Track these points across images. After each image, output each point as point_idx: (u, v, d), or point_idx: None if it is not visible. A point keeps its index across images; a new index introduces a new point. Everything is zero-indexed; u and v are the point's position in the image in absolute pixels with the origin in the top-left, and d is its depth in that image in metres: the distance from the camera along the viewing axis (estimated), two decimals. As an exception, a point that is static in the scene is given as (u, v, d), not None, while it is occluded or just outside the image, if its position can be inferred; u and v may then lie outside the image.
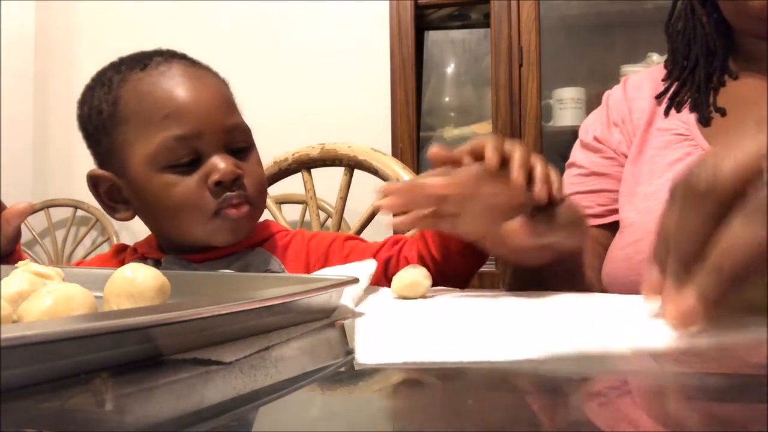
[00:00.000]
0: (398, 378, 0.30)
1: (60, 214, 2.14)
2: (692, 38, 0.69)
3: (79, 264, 0.74)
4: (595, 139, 0.74)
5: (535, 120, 1.54)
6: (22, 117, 2.10)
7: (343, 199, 0.97)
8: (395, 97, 1.62)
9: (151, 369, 0.24)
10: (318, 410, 0.25)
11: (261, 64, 1.99)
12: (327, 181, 1.19)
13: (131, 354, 0.23)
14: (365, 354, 0.28)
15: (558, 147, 1.50)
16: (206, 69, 0.67)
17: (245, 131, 0.66)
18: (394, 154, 1.58)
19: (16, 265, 0.38)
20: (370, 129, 1.75)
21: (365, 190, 1.10)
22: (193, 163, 0.61)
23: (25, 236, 2.06)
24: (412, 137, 1.62)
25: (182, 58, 0.66)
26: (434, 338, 0.32)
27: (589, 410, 0.24)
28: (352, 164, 0.95)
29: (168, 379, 0.24)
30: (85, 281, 0.33)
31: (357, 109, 1.90)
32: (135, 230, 1.99)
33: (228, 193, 0.61)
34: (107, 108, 0.63)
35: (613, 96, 0.75)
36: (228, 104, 0.66)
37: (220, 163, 0.61)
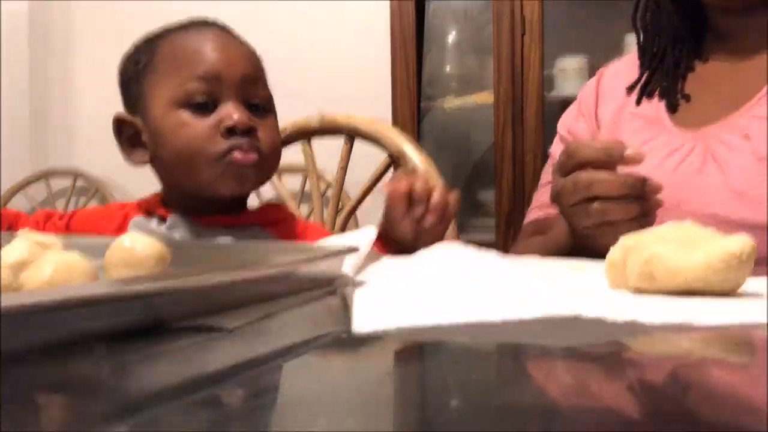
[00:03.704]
0: (398, 345, 0.30)
1: (60, 183, 2.13)
2: (660, 27, 0.72)
3: (77, 215, 0.74)
4: (568, 131, 0.80)
5: (537, 90, 1.53)
6: (19, 88, 2.08)
7: (344, 169, 0.97)
8: (395, 66, 1.61)
9: (154, 336, 0.25)
10: (317, 377, 0.25)
11: (259, 35, 1.96)
12: (326, 151, 1.19)
13: (134, 322, 0.23)
14: (361, 322, 0.28)
15: (560, 117, 1.49)
16: (241, 38, 0.70)
17: (266, 91, 0.68)
18: (394, 124, 1.57)
19: (16, 233, 0.38)
20: (369, 99, 1.73)
21: (365, 160, 1.09)
22: (210, 107, 0.63)
23: (25, 206, 2.06)
24: (413, 107, 1.61)
25: (220, 25, 0.70)
26: (428, 301, 0.33)
27: (595, 383, 0.24)
28: (352, 134, 0.94)
29: (171, 346, 0.25)
30: (85, 250, 0.33)
31: (356, 79, 1.88)
32: (134, 199, 1.99)
33: (238, 139, 0.62)
34: (143, 58, 0.67)
35: (585, 89, 0.81)
36: (252, 63, 0.68)
37: (234, 110, 0.62)
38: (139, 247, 0.33)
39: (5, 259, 0.32)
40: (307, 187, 1.91)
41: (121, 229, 0.65)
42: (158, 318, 0.24)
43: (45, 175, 2.09)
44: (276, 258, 0.34)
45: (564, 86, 1.62)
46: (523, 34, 1.53)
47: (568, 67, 1.62)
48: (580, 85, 1.63)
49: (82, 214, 0.73)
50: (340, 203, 1.02)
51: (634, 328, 0.28)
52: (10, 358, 0.22)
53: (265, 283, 0.29)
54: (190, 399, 0.21)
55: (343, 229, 1.00)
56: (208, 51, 0.65)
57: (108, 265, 0.32)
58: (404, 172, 0.84)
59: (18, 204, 2.05)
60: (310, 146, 0.99)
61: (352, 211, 0.98)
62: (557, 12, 1.62)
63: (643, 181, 0.51)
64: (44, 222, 0.68)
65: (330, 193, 1.63)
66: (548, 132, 1.55)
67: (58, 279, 0.25)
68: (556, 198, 0.56)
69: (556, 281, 0.41)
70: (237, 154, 0.62)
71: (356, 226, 1.00)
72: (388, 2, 1.60)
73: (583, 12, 1.73)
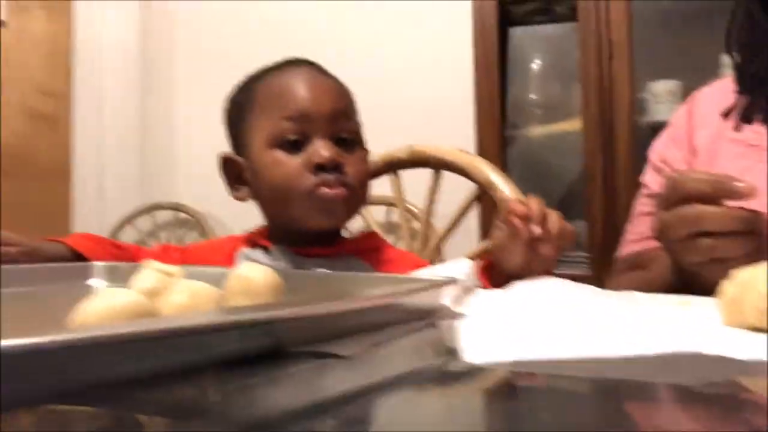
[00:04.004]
0: (503, 378, 0.30)
1: (163, 216, 2.29)
2: (757, 47, 0.67)
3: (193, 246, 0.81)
4: (660, 158, 0.77)
5: (627, 115, 1.48)
6: (128, 126, 2.27)
7: (432, 201, 0.98)
8: (479, 95, 1.61)
9: (275, 360, 0.26)
10: (426, 408, 0.26)
11: (345, 65, 2.04)
12: (411, 182, 1.21)
13: (257, 346, 0.25)
14: (473, 353, 0.29)
15: (652, 143, 1.43)
16: (331, 75, 0.74)
17: (355, 126, 0.71)
18: (478, 153, 1.57)
19: (141, 262, 0.42)
20: (452, 128, 1.74)
21: (452, 192, 1.10)
22: (301, 144, 0.66)
23: (133, 237, 2.23)
24: (497, 136, 1.60)
25: (313, 64, 0.74)
26: (541, 335, 0.32)
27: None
28: (440, 166, 0.95)
29: (290, 371, 0.26)
30: (204, 279, 0.35)
31: (439, 108, 1.90)
32: (234, 232, 2.09)
33: (326, 175, 0.65)
34: (243, 101, 0.72)
35: (677, 114, 0.77)
36: (341, 99, 0.71)
37: (322, 147, 0.65)
38: (256, 276, 0.35)
39: (140, 286, 0.35)
40: (393, 218, 1.94)
41: (229, 260, 0.69)
42: (279, 343, 0.26)
43: (151, 209, 2.25)
44: (379, 288, 0.36)
45: (657, 111, 1.56)
46: (610, 58, 1.49)
47: (661, 90, 1.56)
48: (675, 109, 1.57)
49: (195, 247, 0.79)
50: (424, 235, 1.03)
51: (757, 367, 0.27)
52: (143, 378, 0.24)
53: (375, 312, 0.31)
54: (309, 423, 0.23)
55: (430, 261, 1.01)
56: (298, 91, 0.68)
57: (228, 293, 0.34)
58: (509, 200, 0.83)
59: (126, 235, 2.21)
60: (397, 178, 1.01)
61: (440, 242, 0.99)
62: (647, 34, 1.58)
63: (756, 215, 0.48)
64: (162, 254, 0.74)
65: (416, 225, 1.65)
66: (640, 159, 1.49)
67: (191, 305, 0.28)
68: (659, 232, 0.54)
69: (666, 317, 0.39)
70: (325, 190, 0.65)
71: (439, 257, 1.00)
72: (470, 31, 1.62)
73: (675, 33, 1.67)
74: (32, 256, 0.65)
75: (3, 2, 2.18)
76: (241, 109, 0.72)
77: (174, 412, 0.23)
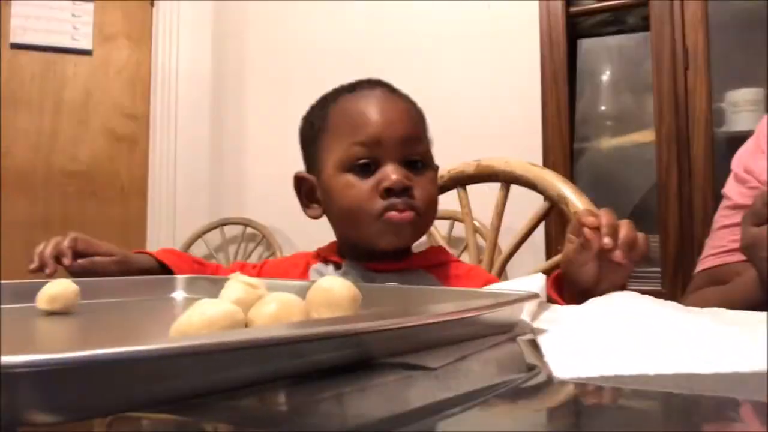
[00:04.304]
0: (582, 393, 0.30)
1: (232, 231, 2.37)
2: None
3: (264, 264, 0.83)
4: (744, 169, 0.74)
5: (705, 126, 1.42)
6: (199, 145, 2.37)
7: (500, 215, 0.97)
8: (546, 108, 1.59)
9: (364, 371, 0.27)
10: (508, 422, 0.25)
11: (412, 81, 2.05)
12: (478, 196, 1.20)
13: (350, 356, 0.26)
14: (561, 367, 0.28)
15: (732, 154, 1.36)
16: (403, 96, 0.75)
17: (425, 148, 0.71)
18: (546, 166, 1.54)
19: (228, 276, 0.44)
20: (519, 141, 1.72)
21: (520, 206, 1.08)
22: (372, 168, 0.67)
23: (203, 251, 2.31)
24: (565, 149, 1.57)
25: (385, 84, 0.75)
26: (628, 349, 0.31)
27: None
28: (509, 180, 0.94)
29: (379, 381, 0.27)
30: (284, 291, 0.36)
31: (506, 121, 1.89)
32: (297, 247, 2.14)
33: (394, 199, 0.65)
34: (317, 122, 0.74)
35: (763, 121, 0.74)
36: (411, 122, 0.72)
37: (392, 172, 0.66)
38: (336, 288, 0.36)
39: (228, 297, 0.37)
40: (458, 232, 1.93)
41: (303, 274, 0.71)
42: (369, 354, 0.27)
43: (220, 224, 2.34)
44: (458, 302, 0.36)
45: (736, 121, 1.49)
46: (686, 68, 1.44)
47: (740, 99, 1.49)
48: (755, 119, 1.50)
49: (271, 263, 0.82)
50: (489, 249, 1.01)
51: None
52: (240, 387, 0.25)
53: (462, 326, 0.31)
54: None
55: (498, 275, 0.99)
56: (370, 117, 0.69)
57: (311, 304, 0.35)
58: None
59: (197, 248, 2.31)
60: (465, 193, 1.01)
61: (509, 257, 0.97)
62: (724, 41, 1.51)
63: None
64: (240, 270, 0.77)
65: (480, 240, 1.63)
66: (719, 171, 1.43)
67: (281, 316, 0.29)
68: (747, 247, 0.51)
69: (755, 331, 0.37)
70: (393, 214, 0.66)
71: (503, 272, 0.98)
72: (538, 42, 1.60)
73: (754, 39, 1.59)
74: (124, 265, 0.69)
75: (90, 33, 2.34)
76: (314, 129, 0.74)
77: (275, 420, 0.24)
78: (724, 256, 0.73)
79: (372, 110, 0.69)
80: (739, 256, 0.67)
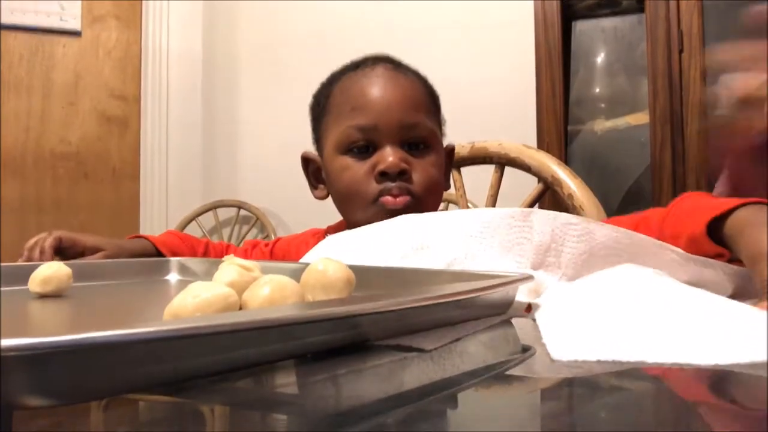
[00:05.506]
0: (577, 374, 0.30)
1: (226, 213, 2.36)
2: None
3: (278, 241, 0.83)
4: None
5: (699, 108, 1.42)
6: (191, 126, 2.35)
7: (494, 197, 0.97)
8: (541, 90, 1.58)
9: (360, 353, 0.27)
10: (503, 403, 0.26)
11: (406, 62, 2.04)
12: (472, 178, 1.20)
13: (344, 338, 0.26)
14: (558, 350, 0.28)
15: (726, 136, 1.37)
16: (407, 71, 0.72)
17: (426, 131, 0.69)
18: (540, 148, 1.54)
19: (222, 259, 0.44)
20: (514, 123, 1.72)
21: (514, 188, 1.09)
22: (370, 150, 0.66)
23: (197, 233, 2.31)
24: (559, 131, 1.57)
25: (390, 61, 0.72)
26: (626, 335, 0.31)
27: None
28: (503, 162, 0.94)
29: (374, 363, 0.27)
30: (279, 273, 0.36)
31: (501, 103, 1.88)
32: (291, 229, 2.14)
33: (389, 183, 0.65)
34: (322, 100, 0.73)
35: None
36: (414, 104, 0.69)
37: (388, 155, 0.65)
38: (330, 270, 0.36)
39: (222, 279, 0.37)
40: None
41: None
42: (364, 336, 0.27)
43: (213, 207, 2.33)
44: (453, 283, 0.36)
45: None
46: (680, 51, 1.43)
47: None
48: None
49: (283, 240, 0.82)
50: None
51: None
52: (238, 368, 0.25)
53: (454, 308, 0.31)
54: (392, 414, 0.23)
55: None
56: (368, 99, 0.67)
57: (305, 286, 0.35)
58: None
59: (190, 231, 2.30)
60: (459, 174, 1.01)
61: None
62: (719, 23, 1.50)
63: None
64: (251, 249, 0.77)
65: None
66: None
67: (275, 298, 0.29)
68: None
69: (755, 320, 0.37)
70: (387, 198, 0.65)
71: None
72: (533, 24, 1.59)
73: (750, 21, 1.58)
74: (116, 257, 0.69)
75: (79, 14, 2.30)
76: (320, 108, 0.73)
77: (270, 402, 0.24)
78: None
79: (371, 92, 0.68)
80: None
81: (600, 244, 0.45)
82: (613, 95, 1.65)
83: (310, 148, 0.77)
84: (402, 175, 0.65)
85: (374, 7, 2.12)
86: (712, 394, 0.26)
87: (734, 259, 0.41)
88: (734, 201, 0.41)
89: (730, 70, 0.42)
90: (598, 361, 0.28)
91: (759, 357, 0.26)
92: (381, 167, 0.65)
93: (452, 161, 0.78)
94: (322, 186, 0.74)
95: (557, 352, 0.28)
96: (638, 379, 0.28)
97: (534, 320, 0.37)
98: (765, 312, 0.35)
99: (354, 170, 0.66)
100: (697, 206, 0.44)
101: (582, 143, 1.64)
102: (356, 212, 0.67)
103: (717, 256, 0.41)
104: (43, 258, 0.68)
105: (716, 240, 0.40)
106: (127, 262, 0.66)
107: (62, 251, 0.70)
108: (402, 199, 0.65)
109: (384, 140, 0.66)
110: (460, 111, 1.95)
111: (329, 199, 0.75)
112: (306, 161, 0.75)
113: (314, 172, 0.74)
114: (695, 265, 0.42)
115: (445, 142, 1.03)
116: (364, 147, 0.66)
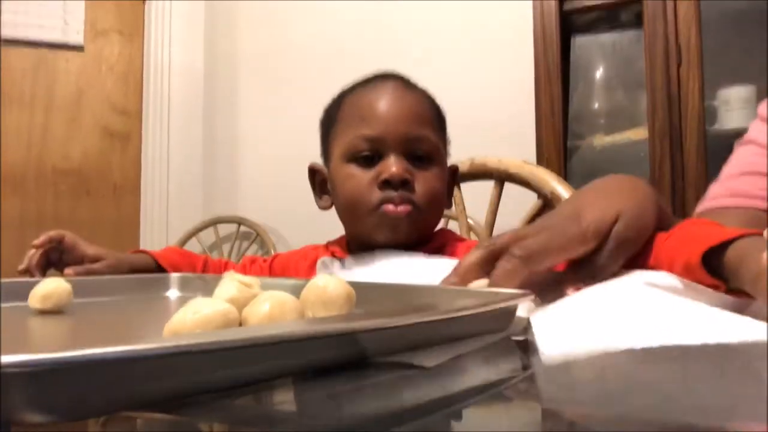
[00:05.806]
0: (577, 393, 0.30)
1: (226, 229, 2.36)
2: None
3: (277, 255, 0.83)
4: None
5: (697, 123, 1.43)
6: (192, 142, 2.36)
7: (494, 213, 0.97)
8: (540, 105, 1.59)
9: (360, 370, 0.27)
10: (503, 421, 0.25)
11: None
12: (472, 194, 1.20)
13: (345, 355, 0.26)
14: (548, 344, 0.29)
15: (724, 152, 1.37)
16: (415, 89, 0.74)
17: (430, 145, 0.70)
18: (539, 163, 1.55)
19: (222, 275, 0.44)
20: (513, 139, 1.73)
21: (514, 204, 1.09)
22: (375, 160, 0.68)
23: (197, 249, 2.31)
24: (559, 146, 1.57)
25: (400, 78, 0.74)
26: (614, 325, 0.32)
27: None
28: (502, 177, 0.94)
29: (374, 380, 0.27)
30: (279, 289, 0.36)
31: (500, 119, 1.88)
32: (291, 245, 2.14)
33: (391, 192, 0.65)
34: (332, 112, 0.74)
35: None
36: (420, 118, 0.71)
37: (392, 164, 0.66)
38: (330, 286, 0.36)
39: (222, 296, 0.37)
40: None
41: (312, 267, 0.72)
42: (364, 353, 0.27)
43: (213, 222, 2.33)
44: (455, 300, 0.36)
45: (728, 118, 1.49)
46: (679, 65, 1.44)
47: (733, 97, 1.50)
48: (747, 116, 1.50)
49: (281, 256, 0.82)
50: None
51: None
52: (234, 387, 0.25)
53: (454, 325, 0.31)
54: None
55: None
56: (376, 111, 0.69)
57: (305, 302, 0.35)
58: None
59: (191, 247, 2.29)
60: (459, 191, 1.01)
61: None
62: (718, 38, 1.52)
63: None
64: (250, 265, 0.77)
65: (474, 237, 1.63)
66: (711, 167, 1.43)
67: (275, 315, 0.29)
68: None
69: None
70: (389, 207, 0.66)
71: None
72: (532, 39, 1.60)
73: (748, 36, 1.60)
74: (116, 268, 0.69)
75: (82, 28, 2.32)
76: (329, 120, 0.75)
77: (250, 421, 0.24)
78: (720, 199, 0.70)
79: (379, 105, 0.69)
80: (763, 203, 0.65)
81: None
82: (612, 110, 1.65)
83: (312, 162, 0.78)
84: (405, 184, 0.66)
85: (374, 27, 2.13)
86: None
87: (731, 290, 0.41)
88: (734, 231, 0.40)
89: None
90: (588, 352, 0.28)
91: (747, 337, 0.26)
92: (384, 176, 0.66)
93: (456, 181, 0.79)
94: (326, 197, 0.75)
95: (547, 347, 0.28)
96: (639, 396, 0.27)
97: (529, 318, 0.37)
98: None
99: (358, 178, 0.68)
100: (695, 234, 0.43)
101: (581, 158, 1.65)
102: (358, 220, 0.68)
103: (711, 287, 0.41)
104: (34, 276, 0.69)
105: (711, 270, 0.40)
106: (127, 278, 0.66)
107: (60, 262, 0.71)
108: (403, 208, 0.66)
109: (389, 151, 0.68)
110: (459, 127, 1.96)
111: (330, 215, 0.76)
112: (313, 172, 0.77)
113: (320, 183, 0.76)
114: (690, 291, 0.42)
115: (449, 163, 1.04)
116: (369, 156, 0.68)
